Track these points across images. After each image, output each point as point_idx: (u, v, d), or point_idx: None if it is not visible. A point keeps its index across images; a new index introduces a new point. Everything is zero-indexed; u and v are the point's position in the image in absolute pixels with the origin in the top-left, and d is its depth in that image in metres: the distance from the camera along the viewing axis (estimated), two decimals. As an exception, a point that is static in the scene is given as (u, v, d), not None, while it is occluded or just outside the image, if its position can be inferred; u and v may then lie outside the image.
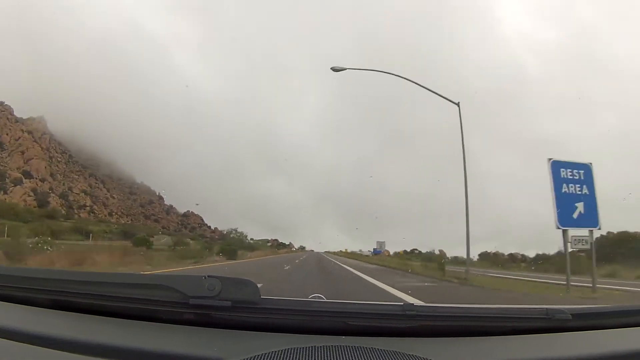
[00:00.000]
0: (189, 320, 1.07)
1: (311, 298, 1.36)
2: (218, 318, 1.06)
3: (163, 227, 75.92)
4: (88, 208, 69.88)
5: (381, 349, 0.89)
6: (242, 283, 1.06)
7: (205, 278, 1.04)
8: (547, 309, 1.14)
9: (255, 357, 0.83)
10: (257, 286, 1.07)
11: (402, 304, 1.11)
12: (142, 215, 78.87)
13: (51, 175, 66.75)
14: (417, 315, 1.06)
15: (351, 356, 0.85)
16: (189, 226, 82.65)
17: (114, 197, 76.68)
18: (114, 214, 73.24)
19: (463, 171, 14.69)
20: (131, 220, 74.68)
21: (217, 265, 19.30)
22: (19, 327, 1.01)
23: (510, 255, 37.07)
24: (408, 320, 1.06)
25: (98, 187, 74.88)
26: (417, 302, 5.98)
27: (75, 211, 66.17)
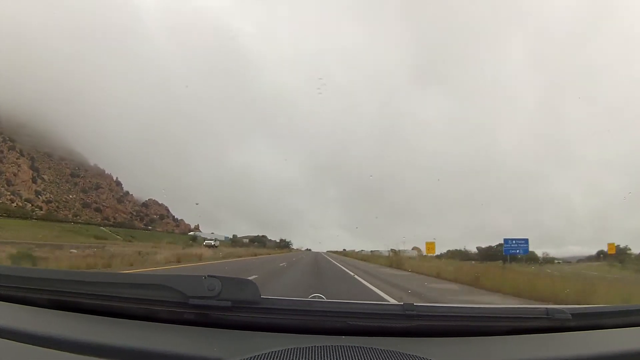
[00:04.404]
0: (189, 320, 1.07)
1: (311, 298, 1.37)
2: (218, 318, 1.06)
3: (104, 219, 68.61)
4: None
5: (381, 349, 0.89)
6: (242, 283, 1.07)
7: (205, 278, 1.04)
8: (547, 308, 1.16)
9: (255, 357, 0.83)
10: (257, 286, 1.07)
11: (402, 304, 1.11)
12: (80, 202, 70.63)
13: None
14: (417, 315, 1.07)
15: (351, 356, 0.86)
16: (147, 218, 73.52)
17: (42, 178, 66.93)
18: (22, 195, 59.31)
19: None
20: (57, 207, 65.40)
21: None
22: (19, 327, 1.02)
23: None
24: (408, 320, 1.07)
25: (15, 164, 64.02)
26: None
27: None
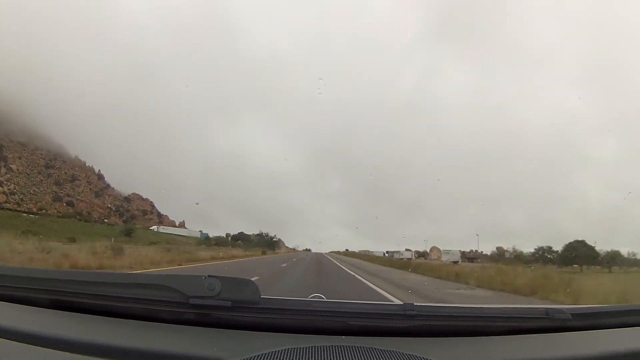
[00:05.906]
0: (189, 320, 1.08)
1: (311, 298, 1.37)
2: (218, 318, 1.06)
3: (77, 213, 65.66)
4: None
5: (381, 349, 0.89)
6: (242, 283, 1.07)
7: (205, 278, 1.04)
8: (547, 308, 1.16)
9: (255, 357, 0.84)
10: (257, 286, 1.07)
11: (402, 303, 1.11)
12: (50, 195, 67.15)
13: None
14: (417, 315, 1.07)
15: (351, 356, 0.86)
16: (128, 214, 70.07)
17: (8, 168, 63.14)
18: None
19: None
20: (21, 199, 61.99)
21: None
22: (19, 327, 1.02)
23: None
24: (408, 320, 1.07)
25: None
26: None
27: None
